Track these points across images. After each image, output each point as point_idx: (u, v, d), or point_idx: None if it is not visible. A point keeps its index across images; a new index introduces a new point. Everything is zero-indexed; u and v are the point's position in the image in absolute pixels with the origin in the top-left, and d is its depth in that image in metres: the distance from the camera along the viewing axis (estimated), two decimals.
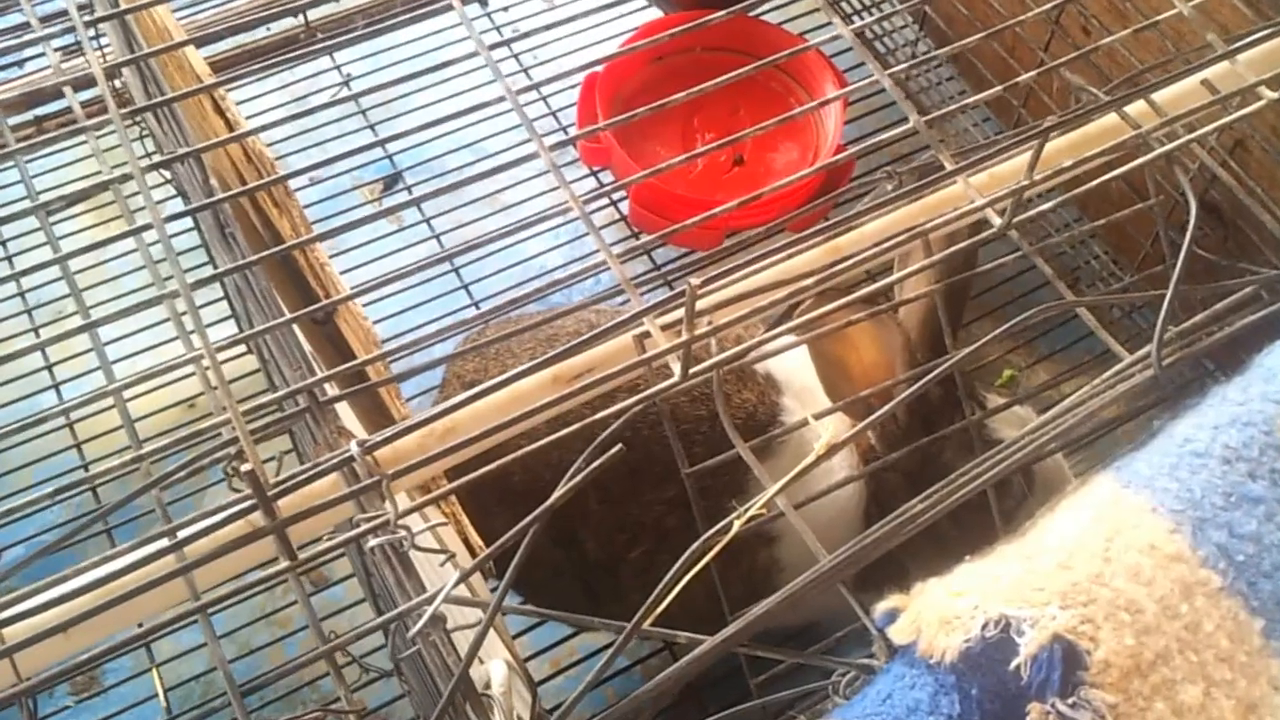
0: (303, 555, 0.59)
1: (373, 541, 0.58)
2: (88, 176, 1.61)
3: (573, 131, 1.61)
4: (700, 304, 0.64)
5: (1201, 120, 0.76)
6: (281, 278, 0.88)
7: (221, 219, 0.78)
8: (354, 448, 0.58)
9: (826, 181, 1.52)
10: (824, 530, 0.72)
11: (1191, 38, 1.11)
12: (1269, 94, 0.75)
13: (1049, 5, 0.89)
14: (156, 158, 0.78)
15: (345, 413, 0.84)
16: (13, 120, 1.50)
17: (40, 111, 1.50)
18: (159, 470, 0.63)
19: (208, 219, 0.79)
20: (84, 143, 0.75)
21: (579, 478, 0.60)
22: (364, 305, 1.14)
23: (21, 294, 1.50)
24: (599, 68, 1.57)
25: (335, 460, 0.58)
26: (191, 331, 0.65)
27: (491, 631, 0.69)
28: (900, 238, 0.69)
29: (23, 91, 0.77)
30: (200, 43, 0.81)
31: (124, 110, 0.71)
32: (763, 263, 0.70)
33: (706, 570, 0.63)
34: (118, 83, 1.07)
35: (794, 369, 1.11)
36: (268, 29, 1.61)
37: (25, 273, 0.71)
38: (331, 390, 0.67)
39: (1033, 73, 0.81)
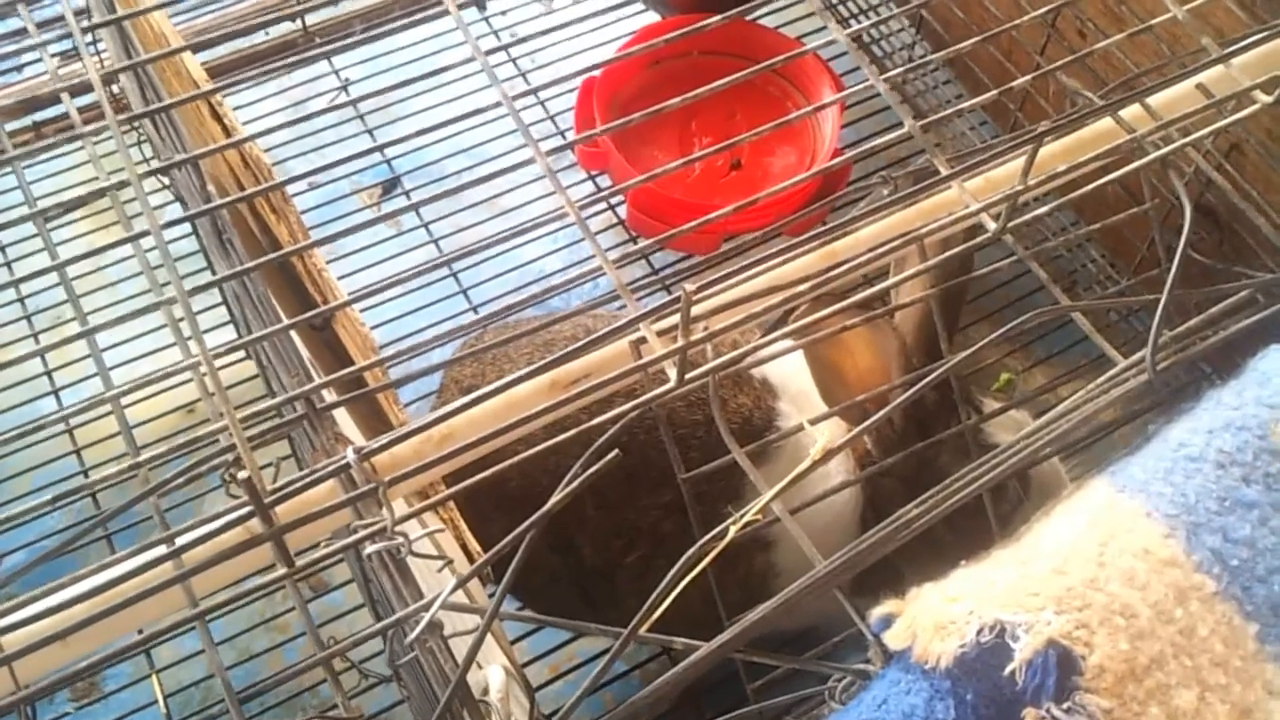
0: (301, 561, 0.59)
1: (370, 548, 0.58)
2: (86, 182, 1.62)
3: (570, 136, 1.61)
4: (696, 309, 0.64)
5: (1196, 124, 0.76)
6: (279, 284, 0.88)
7: (219, 225, 0.79)
8: (350, 455, 0.58)
9: (824, 185, 1.52)
10: (820, 535, 0.72)
11: (1187, 40, 1.11)
12: (1263, 98, 0.76)
13: (1045, 9, 0.89)
14: (154, 163, 0.78)
15: (343, 418, 0.84)
16: (11, 125, 1.50)
17: (38, 117, 1.51)
18: (157, 477, 0.64)
19: (205, 225, 0.79)
20: (82, 148, 0.75)
21: (575, 484, 0.60)
22: (362, 310, 1.15)
23: (21, 300, 1.50)
24: (596, 72, 1.57)
25: (332, 467, 0.58)
26: (189, 338, 0.65)
27: (489, 637, 0.69)
28: (895, 243, 0.70)
29: (20, 98, 0.77)
30: (198, 48, 0.81)
31: (121, 117, 0.71)
32: (758, 268, 0.70)
33: (703, 575, 0.63)
34: (115, 88, 1.08)
35: (790, 374, 1.11)
36: (265, 33, 1.61)
37: (23, 280, 0.71)
38: (329, 396, 0.67)
39: (1028, 77, 0.81)
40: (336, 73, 1.74)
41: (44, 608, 0.55)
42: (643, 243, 1.55)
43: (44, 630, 0.54)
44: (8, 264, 1.50)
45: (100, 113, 0.71)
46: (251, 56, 1.56)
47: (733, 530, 0.63)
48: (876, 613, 0.61)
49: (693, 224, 0.74)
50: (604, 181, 1.61)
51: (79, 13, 0.83)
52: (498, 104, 0.74)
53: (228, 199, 0.69)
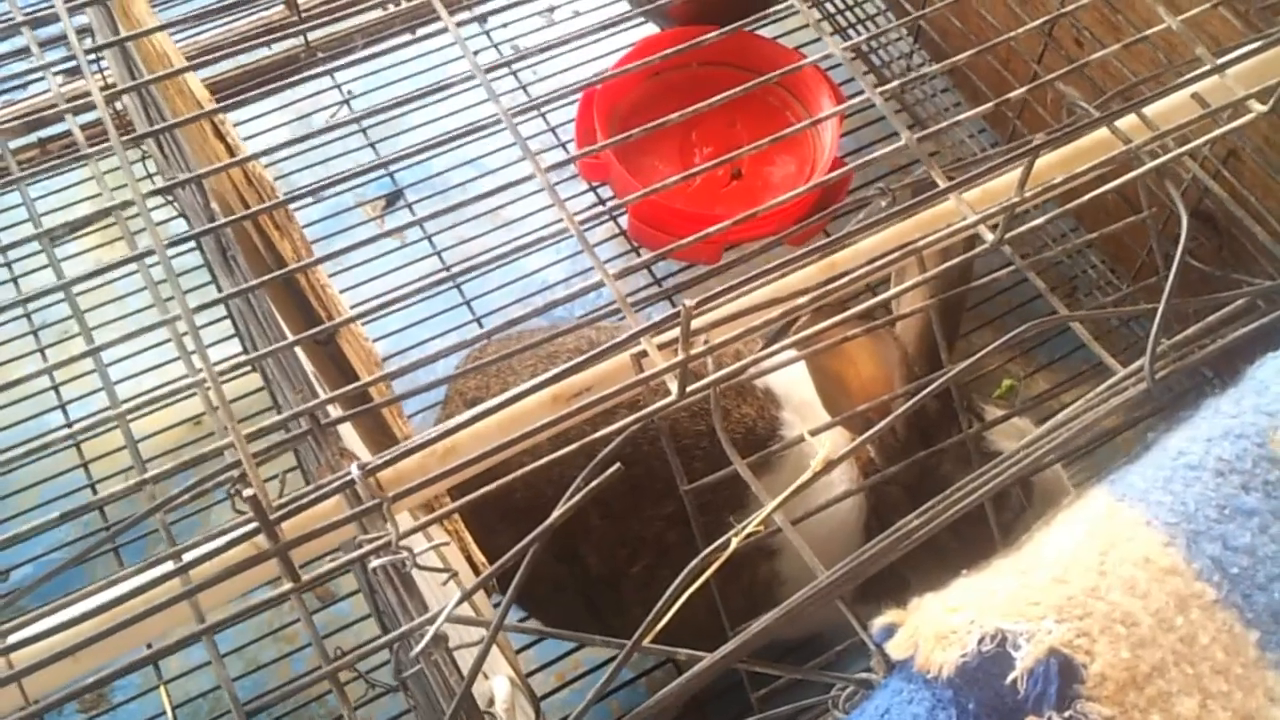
0: (307, 571, 0.60)
1: (375, 562, 0.59)
2: (92, 198, 1.63)
3: (571, 147, 1.62)
4: (697, 322, 0.64)
5: (1193, 133, 0.76)
6: (283, 299, 0.89)
7: (223, 243, 0.79)
8: (355, 471, 0.59)
9: (824, 195, 1.52)
10: (824, 543, 0.73)
11: (1183, 49, 1.12)
12: (1258, 107, 0.76)
13: (1042, 20, 0.90)
14: (158, 179, 0.79)
15: (348, 432, 0.85)
16: (17, 143, 1.51)
17: (43, 134, 1.52)
18: (164, 492, 0.64)
19: (210, 242, 0.80)
20: (87, 165, 0.76)
21: (578, 497, 0.61)
22: (365, 323, 1.15)
23: (28, 314, 1.51)
24: (596, 85, 1.58)
25: (337, 483, 0.59)
26: (192, 352, 0.65)
27: (494, 648, 0.69)
28: (894, 255, 0.70)
29: (25, 120, 0.78)
30: (200, 66, 0.82)
31: (125, 137, 0.72)
32: (759, 280, 0.70)
33: (707, 585, 0.63)
34: (119, 104, 1.08)
35: (793, 383, 1.11)
36: (268, 48, 1.62)
37: (29, 299, 0.72)
38: (334, 412, 0.68)
39: (1026, 87, 0.82)
40: (339, 86, 1.75)
41: (53, 624, 0.55)
42: (645, 254, 1.56)
43: (53, 647, 0.55)
44: (14, 280, 1.51)
45: (104, 130, 0.71)
46: (254, 72, 1.57)
47: (735, 542, 0.63)
48: (878, 622, 0.61)
49: (693, 237, 0.74)
50: (605, 192, 1.62)
51: (81, 31, 0.84)
52: (498, 120, 0.75)
53: (231, 218, 0.70)
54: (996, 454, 0.80)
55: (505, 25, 1.84)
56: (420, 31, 1.59)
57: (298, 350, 0.78)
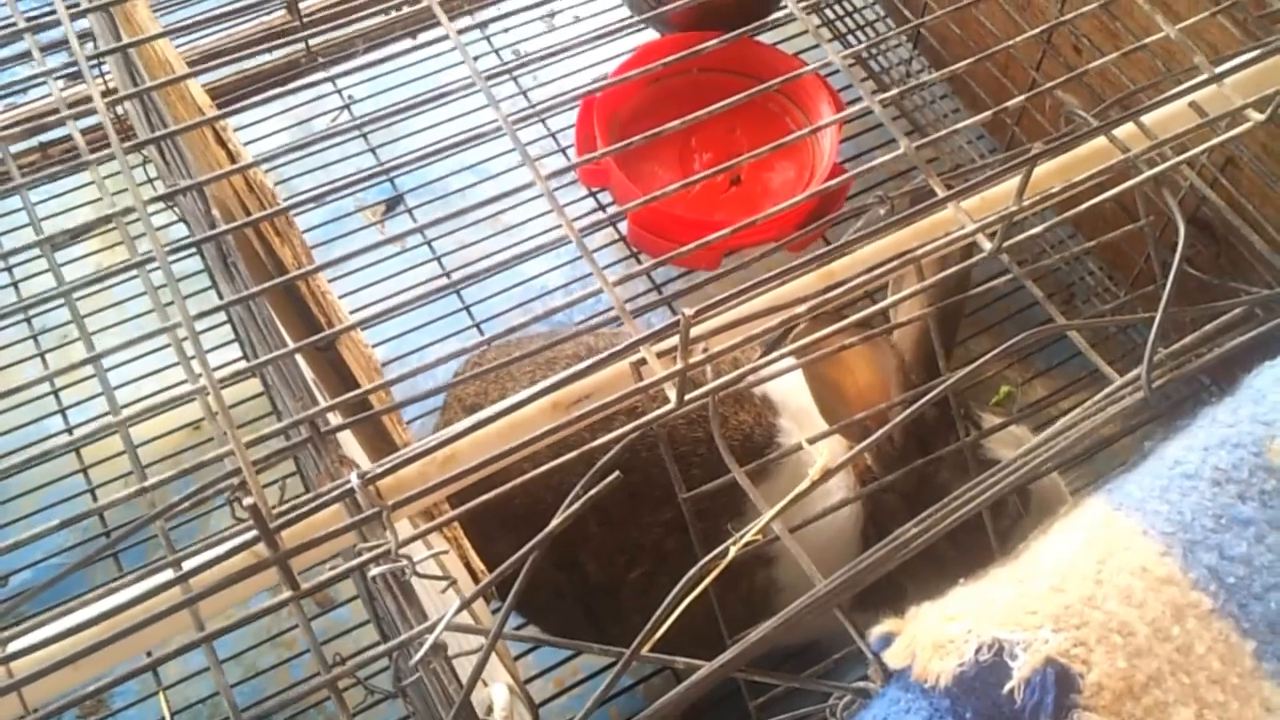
0: (307, 576, 0.60)
1: (374, 571, 0.59)
2: (93, 202, 1.63)
3: (571, 153, 1.62)
4: (695, 330, 0.64)
5: (1190, 142, 0.77)
6: (284, 306, 0.89)
7: (224, 249, 0.79)
8: (354, 479, 0.59)
9: (823, 201, 1.53)
10: (822, 551, 0.73)
11: (1182, 57, 1.12)
12: (1256, 116, 0.76)
13: (1041, 28, 0.90)
14: (159, 184, 0.79)
15: (347, 439, 0.85)
16: (19, 147, 1.51)
17: (45, 138, 1.52)
18: (163, 499, 0.64)
19: (210, 249, 0.80)
20: (88, 170, 0.76)
21: (576, 506, 0.61)
22: (365, 329, 1.15)
23: (28, 319, 1.51)
24: (596, 92, 1.58)
25: (336, 492, 0.59)
26: (192, 357, 0.65)
27: (493, 655, 0.70)
28: (893, 263, 0.70)
29: (26, 127, 0.78)
30: (201, 71, 0.82)
31: (127, 145, 0.72)
32: (757, 289, 0.71)
33: (705, 592, 0.63)
34: (120, 109, 1.09)
35: (790, 390, 1.11)
36: (269, 53, 1.62)
37: (30, 305, 0.72)
38: (334, 419, 0.68)
39: (1024, 96, 0.82)
40: (340, 91, 1.75)
41: (52, 633, 0.56)
42: (645, 261, 1.56)
43: (53, 656, 0.55)
44: (14, 284, 1.51)
45: (105, 135, 0.72)
46: (255, 76, 1.57)
47: (733, 552, 0.64)
48: (876, 631, 0.62)
49: (693, 245, 0.74)
50: (605, 197, 1.62)
51: (83, 36, 0.84)
52: (498, 127, 0.75)
53: (232, 225, 0.70)
54: (994, 461, 0.80)
55: (506, 30, 1.84)
56: (421, 37, 1.60)
57: (298, 357, 0.78)
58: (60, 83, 0.81)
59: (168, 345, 0.69)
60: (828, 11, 1.74)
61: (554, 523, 0.60)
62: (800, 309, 0.67)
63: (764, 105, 1.65)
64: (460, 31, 0.79)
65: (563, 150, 1.68)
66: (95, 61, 0.80)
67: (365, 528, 0.60)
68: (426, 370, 0.67)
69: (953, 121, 1.64)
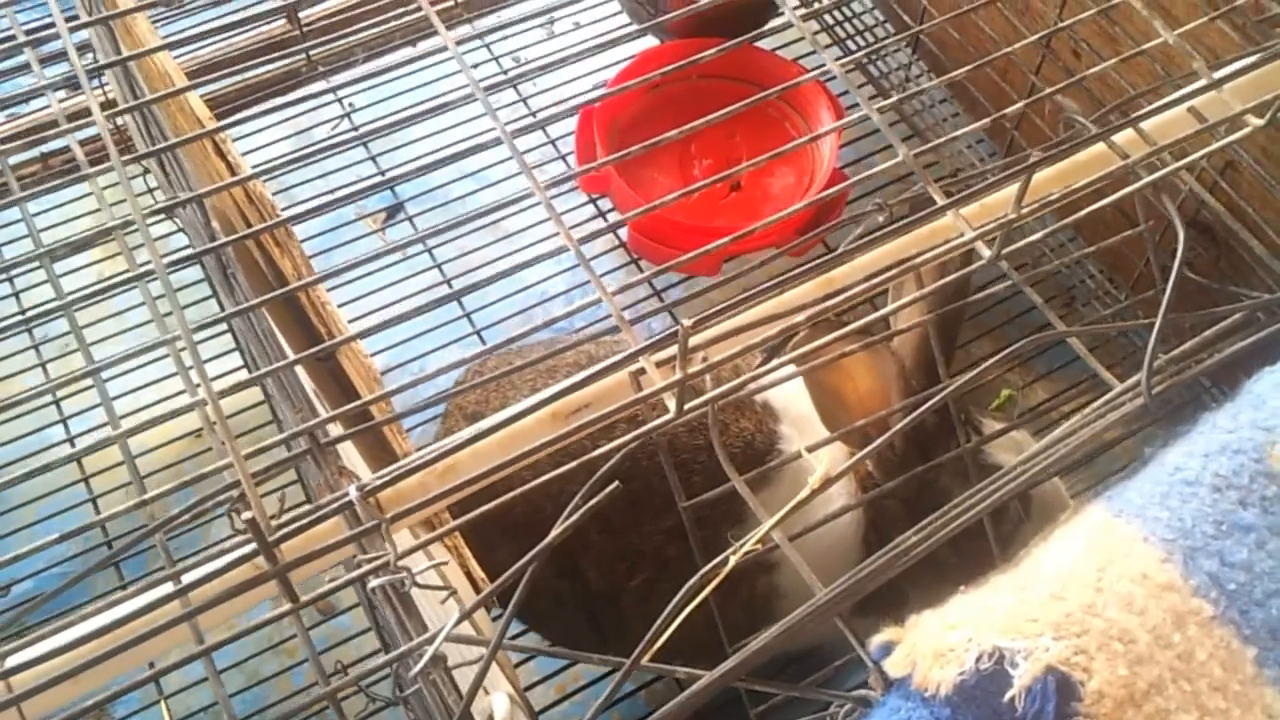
0: (308, 585, 0.60)
1: (374, 582, 0.59)
2: (93, 213, 1.63)
3: (571, 159, 1.62)
4: (694, 340, 0.64)
5: (1190, 147, 0.77)
6: (284, 317, 0.89)
7: (224, 260, 0.80)
8: (354, 492, 0.59)
9: (822, 208, 1.53)
10: (823, 557, 0.73)
11: (1181, 61, 1.12)
12: (1255, 121, 0.76)
13: (1040, 34, 0.90)
14: (159, 194, 0.79)
15: (348, 449, 0.85)
16: (20, 158, 1.52)
17: (46, 149, 1.53)
18: (163, 511, 0.64)
19: (210, 260, 0.80)
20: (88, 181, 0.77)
21: (576, 516, 0.61)
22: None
23: (29, 329, 1.51)
24: (595, 103, 1.59)
25: (335, 505, 0.59)
26: (191, 368, 0.66)
27: (494, 664, 0.69)
28: (892, 271, 0.70)
29: (26, 140, 0.78)
30: (201, 83, 0.82)
31: (126, 158, 0.72)
32: (757, 297, 0.71)
33: (706, 599, 0.63)
34: (119, 120, 1.09)
35: (791, 397, 1.11)
36: (270, 64, 1.63)
37: (30, 318, 0.72)
38: (333, 430, 0.68)
39: (1023, 102, 0.82)
40: (340, 100, 1.76)
41: (52, 647, 0.56)
42: (645, 265, 1.56)
43: (52, 670, 0.55)
44: (16, 294, 1.52)
45: (104, 147, 0.72)
46: (255, 86, 1.57)
47: (733, 560, 0.64)
48: (876, 640, 0.61)
49: (694, 254, 0.74)
50: (605, 203, 1.63)
51: (82, 48, 0.84)
52: (497, 137, 0.75)
53: (231, 237, 0.70)
54: (995, 467, 0.80)
55: (506, 38, 1.84)
56: (421, 46, 1.60)
57: (298, 368, 0.78)
58: (60, 94, 0.82)
59: (168, 356, 0.69)
60: (827, 17, 1.74)
61: (554, 533, 0.60)
62: (800, 317, 0.67)
63: (763, 111, 1.65)
64: (460, 41, 0.79)
65: (562, 157, 1.68)
66: (94, 73, 0.80)
67: (365, 539, 0.60)
68: (427, 379, 0.67)
69: (952, 125, 1.64)
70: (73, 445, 1.45)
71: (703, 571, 0.63)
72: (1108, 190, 0.73)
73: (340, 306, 1.05)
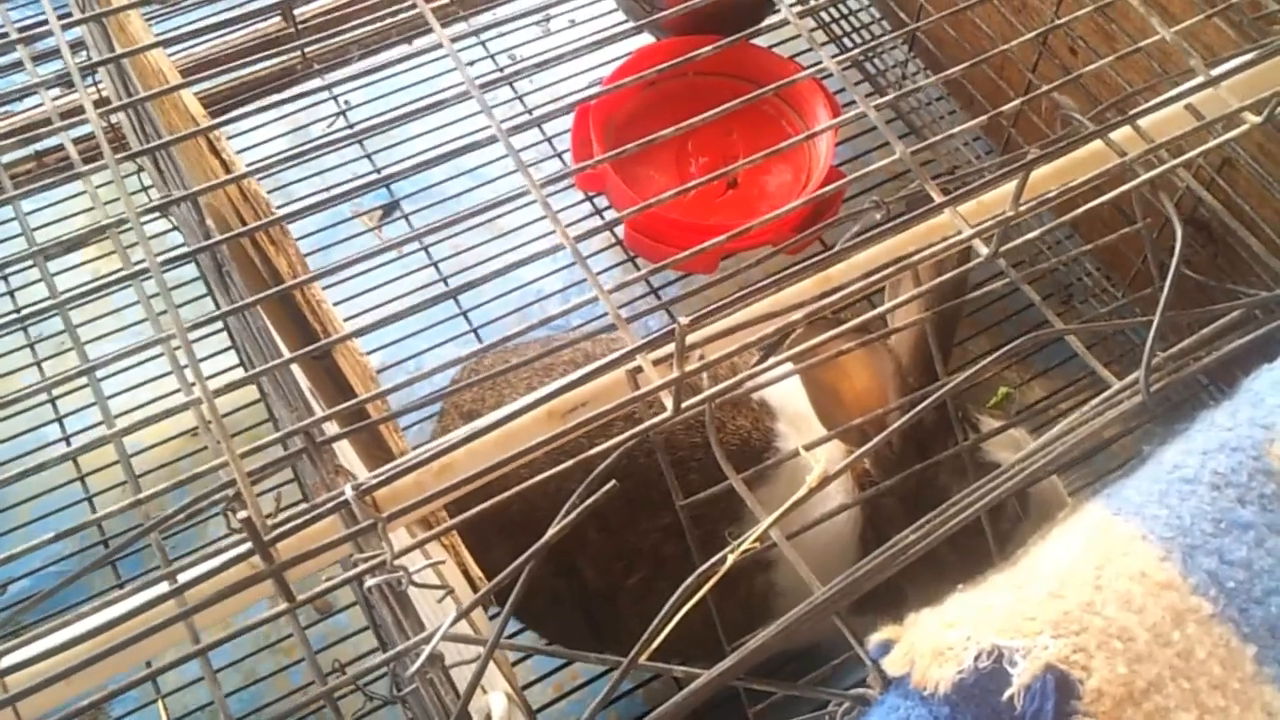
0: (304, 584, 0.60)
1: (370, 581, 0.58)
2: (87, 211, 1.63)
3: (567, 156, 1.62)
4: (691, 338, 0.64)
5: (1187, 144, 0.76)
6: (279, 315, 0.89)
7: (218, 259, 0.79)
8: (349, 491, 0.58)
9: (819, 205, 1.53)
10: (820, 555, 0.72)
11: (1178, 58, 1.12)
12: (1253, 118, 0.76)
13: (1037, 32, 0.90)
14: (153, 192, 0.79)
15: (344, 447, 0.85)
16: (13, 156, 1.51)
17: (40, 146, 1.52)
18: (159, 510, 0.64)
19: (205, 259, 0.80)
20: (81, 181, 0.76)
21: (573, 514, 0.61)
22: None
23: (24, 327, 1.51)
24: (591, 101, 1.58)
25: (332, 504, 0.59)
26: (185, 366, 0.65)
27: (491, 663, 0.69)
28: (889, 269, 0.70)
29: (19, 138, 0.78)
30: (195, 80, 0.82)
31: (119, 156, 0.72)
32: (753, 295, 0.70)
33: (704, 597, 0.63)
34: (113, 118, 1.08)
35: (788, 395, 1.11)
36: (265, 61, 1.62)
37: (25, 317, 0.72)
38: (330, 429, 0.67)
39: (1020, 99, 0.82)
40: (335, 98, 1.75)
41: (48, 646, 0.55)
42: (641, 262, 1.56)
43: (48, 670, 0.55)
44: (10, 293, 1.51)
45: (98, 145, 0.71)
46: (250, 83, 1.57)
47: (730, 560, 0.63)
48: (875, 638, 0.61)
49: (690, 252, 0.74)
50: (601, 201, 1.62)
51: (75, 45, 0.83)
52: (493, 136, 0.75)
53: (226, 235, 0.70)
54: (993, 464, 0.80)
55: (501, 35, 1.84)
56: (417, 43, 1.60)
57: (293, 366, 0.78)
58: (53, 92, 0.81)
59: (163, 354, 0.69)
60: (823, 15, 1.74)
61: (551, 531, 0.60)
62: (797, 315, 0.66)
63: (760, 108, 1.65)
64: (455, 39, 0.79)
65: (558, 155, 1.68)
66: (88, 71, 0.80)
67: (361, 538, 0.60)
68: (423, 378, 0.67)
69: (949, 123, 1.64)
70: (68, 444, 1.44)
71: (700, 570, 0.63)
72: (1105, 188, 0.73)
73: (336, 304, 1.05)
